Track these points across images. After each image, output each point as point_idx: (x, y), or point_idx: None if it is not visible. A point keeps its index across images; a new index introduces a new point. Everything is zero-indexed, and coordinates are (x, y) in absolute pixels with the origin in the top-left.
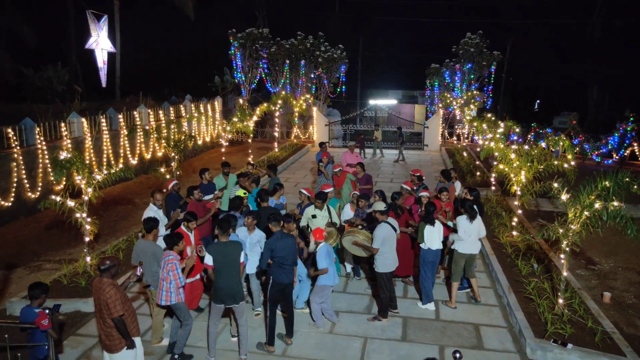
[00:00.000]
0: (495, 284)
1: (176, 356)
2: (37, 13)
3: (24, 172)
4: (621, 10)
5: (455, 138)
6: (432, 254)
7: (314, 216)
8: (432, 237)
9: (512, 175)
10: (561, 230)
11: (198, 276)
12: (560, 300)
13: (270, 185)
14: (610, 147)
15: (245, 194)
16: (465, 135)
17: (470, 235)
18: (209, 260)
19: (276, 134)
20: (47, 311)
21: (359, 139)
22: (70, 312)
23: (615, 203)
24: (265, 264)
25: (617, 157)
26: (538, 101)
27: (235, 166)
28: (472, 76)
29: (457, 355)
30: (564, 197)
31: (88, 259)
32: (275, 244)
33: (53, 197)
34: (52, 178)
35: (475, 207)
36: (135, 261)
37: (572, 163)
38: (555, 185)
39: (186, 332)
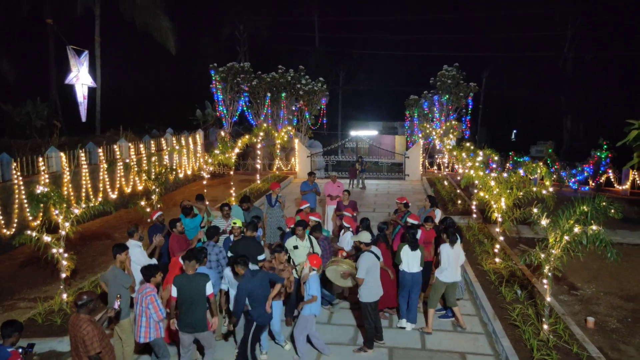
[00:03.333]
0: (480, 311)
1: None
2: (17, 48)
3: None
4: (591, 45)
5: (435, 167)
6: (408, 277)
7: (295, 247)
8: (410, 260)
9: (492, 202)
10: (543, 255)
11: None
12: (545, 326)
13: (247, 218)
14: (586, 174)
15: (243, 222)
16: (446, 165)
17: (452, 262)
18: (173, 292)
19: (258, 166)
20: (20, 350)
21: (351, 170)
22: (45, 352)
23: (594, 227)
24: (241, 310)
25: (593, 184)
26: (515, 131)
27: (216, 199)
28: (449, 106)
29: None
30: (544, 222)
31: (64, 296)
32: (251, 285)
33: (29, 232)
34: (28, 213)
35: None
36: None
37: (550, 189)
38: (535, 210)
39: None
